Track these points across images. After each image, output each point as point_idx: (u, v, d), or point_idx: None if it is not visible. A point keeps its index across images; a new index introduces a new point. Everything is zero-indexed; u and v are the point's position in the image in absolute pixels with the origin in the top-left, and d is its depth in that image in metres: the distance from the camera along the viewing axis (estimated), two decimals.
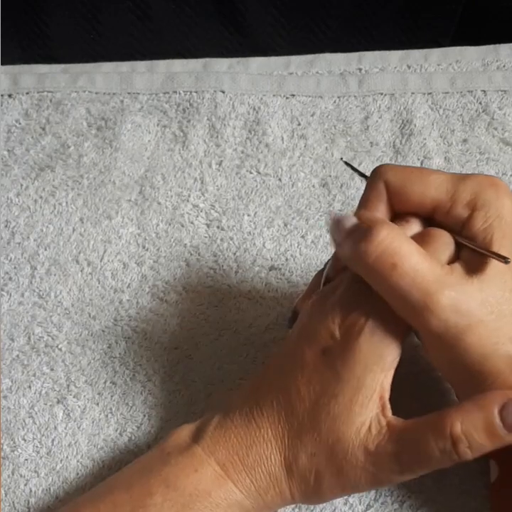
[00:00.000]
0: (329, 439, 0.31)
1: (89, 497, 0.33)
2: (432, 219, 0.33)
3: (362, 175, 0.33)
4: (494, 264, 0.30)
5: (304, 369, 0.32)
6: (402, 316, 0.30)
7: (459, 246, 0.32)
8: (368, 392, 0.30)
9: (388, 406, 0.31)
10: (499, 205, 0.31)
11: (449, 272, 0.30)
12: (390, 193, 0.33)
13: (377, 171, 0.33)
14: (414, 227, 0.33)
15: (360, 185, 0.47)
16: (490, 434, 0.28)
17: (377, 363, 0.31)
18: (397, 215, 0.33)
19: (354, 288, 0.33)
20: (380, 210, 0.33)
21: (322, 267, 0.44)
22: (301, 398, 0.32)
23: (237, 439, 0.32)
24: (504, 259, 0.29)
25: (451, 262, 0.31)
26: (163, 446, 0.33)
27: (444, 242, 0.31)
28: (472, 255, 0.31)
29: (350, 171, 0.48)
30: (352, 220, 0.32)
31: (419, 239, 0.31)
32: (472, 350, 0.29)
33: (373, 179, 0.33)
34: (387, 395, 0.31)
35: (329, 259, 0.36)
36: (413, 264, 0.29)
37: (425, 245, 0.31)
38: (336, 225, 0.32)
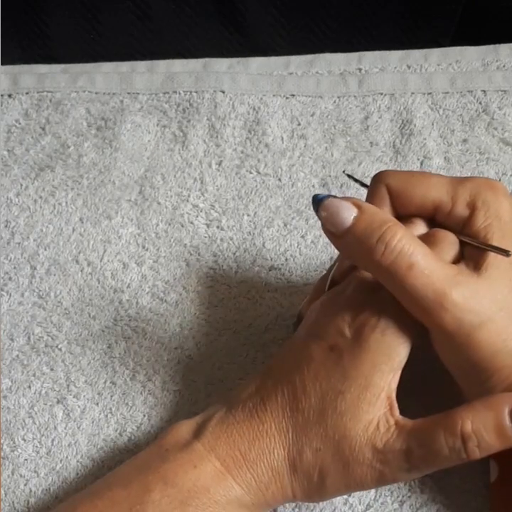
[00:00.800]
0: (335, 435, 0.31)
1: (88, 494, 0.33)
2: (433, 220, 0.33)
3: (364, 185, 0.33)
4: (498, 263, 0.30)
5: (310, 364, 0.32)
6: (415, 314, 0.31)
7: (461, 246, 0.32)
8: (376, 391, 0.31)
9: (396, 405, 0.31)
10: (498, 206, 0.32)
11: (459, 271, 0.30)
12: (392, 196, 0.33)
13: (378, 176, 0.34)
14: (420, 228, 0.33)
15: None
16: (500, 434, 0.28)
17: (386, 363, 0.31)
18: (400, 218, 0.33)
19: (363, 288, 0.33)
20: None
21: (322, 268, 0.44)
22: (306, 393, 0.32)
23: (239, 434, 0.32)
24: (506, 253, 0.30)
25: (456, 261, 0.32)
26: (162, 443, 0.33)
27: (450, 242, 0.32)
28: (475, 254, 0.31)
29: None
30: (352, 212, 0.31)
31: (425, 239, 0.32)
32: (482, 348, 0.30)
33: (375, 184, 0.34)
34: (394, 395, 0.31)
35: (333, 264, 0.36)
36: (427, 265, 0.30)
37: (431, 246, 0.31)
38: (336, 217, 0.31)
